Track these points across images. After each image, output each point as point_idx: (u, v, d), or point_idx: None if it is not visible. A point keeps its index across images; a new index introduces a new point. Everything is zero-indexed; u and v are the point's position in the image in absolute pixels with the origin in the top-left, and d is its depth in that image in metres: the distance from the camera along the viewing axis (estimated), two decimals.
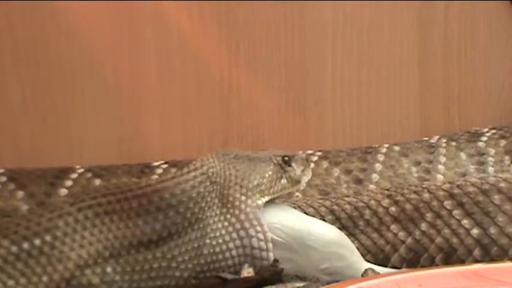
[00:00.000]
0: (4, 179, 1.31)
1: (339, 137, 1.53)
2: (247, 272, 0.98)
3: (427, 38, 1.55)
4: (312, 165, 1.31)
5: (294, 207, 1.12)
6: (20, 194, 1.30)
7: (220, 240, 0.96)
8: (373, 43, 1.54)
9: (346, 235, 1.09)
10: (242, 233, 0.97)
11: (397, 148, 1.36)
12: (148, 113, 1.50)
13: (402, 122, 1.55)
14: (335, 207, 1.12)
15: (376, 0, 1.53)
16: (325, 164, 1.34)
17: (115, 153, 1.46)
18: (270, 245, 0.97)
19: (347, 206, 1.11)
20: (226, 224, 0.97)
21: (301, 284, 0.97)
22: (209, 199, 0.98)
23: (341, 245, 1.02)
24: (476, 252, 1.06)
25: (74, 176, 1.32)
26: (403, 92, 1.55)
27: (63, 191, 1.30)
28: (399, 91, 1.55)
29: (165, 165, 1.35)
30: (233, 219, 0.97)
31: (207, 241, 0.96)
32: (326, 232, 1.02)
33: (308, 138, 1.52)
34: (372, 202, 1.11)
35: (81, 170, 1.33)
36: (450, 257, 1.07)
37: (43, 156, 1.44)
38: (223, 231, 0.97)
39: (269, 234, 0.98)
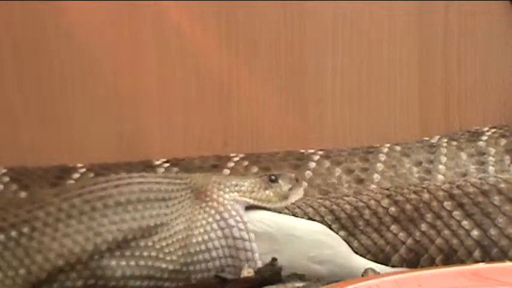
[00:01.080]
0: (7, 179, 1.31)
1: (338, 137, 1.53)
2: (247, 272, 0.98)
3: (427, 38, 1.55)
4: (305, 184, 1.31)
5: (294, 208, 1.13)
6: (23, 194, 1.30)
7: (202, 230, 0.99)
8: (373, 43, 1.54)
9: (346, 235, 1.09)
10: (222, 223, 0.99)
11: (398, 148, 1.36)
12: (148, 112, 1.50)
13: (402, 121, 1.55)
14: (334, 207, 1.12)
15: (376, 0, 1.53)
16: (327, 163, 1.34)
17: (115, 153, 1.46)
18: (252, 235, 0.99)
19: (347, 206, 1.11)
20: (205, 215, 0.99)
21: (301, 284, 0.97)
22: (190, 201, 1.00)
23: (326, 234, 1.03)
24: (477, 253, 1.06)
25: (76, 175, 1.32)
26: (403, 92, 1.55)
27: None
28: (399, 91, 1.55)
29: (167, 164, 1.36)
30: (212, 211, 1.00)
31: (190, 232, 0.98)
32: (309, 224, 1.04)
33: (308, 138, 1.52)
34: (372, 202, 1.11)
35: (83, 170, 1.34)
36: (450, 258, 1.07)
37: (43, 156, 1.44)
38: (204, 222, 0.99)
39: (249, 225, 0.99)
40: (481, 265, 0.98)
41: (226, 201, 1.00)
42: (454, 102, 1.57)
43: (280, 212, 1.07)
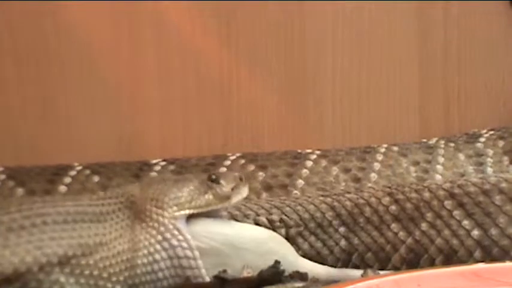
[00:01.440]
0: (3, 176, 1.31)
1: (338, 137, 1.53)
2: (247, 272, 0.98)
3: (427, 38, 1.55)
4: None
5: (296, 205, 1.13)
6: (20, 191, 1.30)
7: (146, 251, 0.97)
8: (373, 43, 1.54)
9: (347, 232, 1.09)
10: (165, 244, 0.97)
11: (395, 148, 1.37)
12: (148, 112, 1.50)
13: (402, 122, 1.55)
14: (336, 203, 1.12)
15: (376, 0, 1.53)
16: (323, 162, 1.34)
17: (115, 153, 1.46)
18: (196, 252, 0.97)
19: (347, 203, 1.11)
20: (148, 236, 0.97)
21: (301, 284, 0.97)
22: (129, 221, 0.99)
23: (274, 241, 1.02)
24: (477, 253, 1.06)
25: (73, 173, 1.33)
26: (403, 92, 1.55)
27: (63, 188, 1.31)
28: (399, 91, 1.55)
29: (164, 163, 1.35)
30: (153, 232, 0.97)
31: (134, 254, 0.96)
32: (257, 233, 1.02)
33: (308, 138, 1.52)
34: (373, 199, 1.10)
35: (80, 168, 1.34)
36: (450, 259, 1.06)
37: (43, 156, 1.44)
38: (147, 243, 0.97)
39: (193, 242, 0.97)
40: (481, 265, 0.97)
41: (166, 220, 0.97)
42: (454, 102, 1.57)
43: (225, 216, 1.06)
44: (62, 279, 0.93)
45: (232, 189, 1.03)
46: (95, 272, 0.94)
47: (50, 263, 0.92)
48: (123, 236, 0.97)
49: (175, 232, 0.97)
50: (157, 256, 0.97)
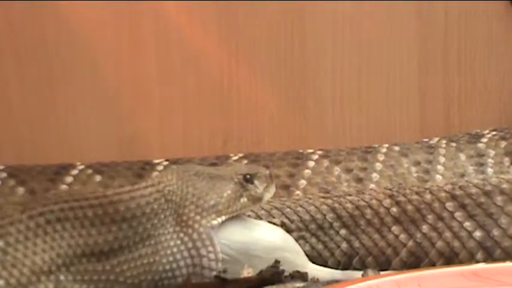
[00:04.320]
0: (4, 175, 1.31)
1: (338, 137, 1.53)
2: (247, 272, 0.98)
3: (427, 38, 1.55)
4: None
5: (296, 206, 1.12)
6: (21, 190, 1.30)
7: (171, 259, 0.95)
8: (373, 43, 1.54)
9: (348, 234, 1.09)
10: (193, 252, 0.96)
11: (397, 148, 1.37)
12: (148, 113, 1.50)
13: (402, 122, 1.55)
14: (336, 205, 1.11)
15: (376, 1, 1.53)
16: (325, 162, 1.34)
17: (115, 153, 1.46)
18: (220, 264, 0.96)
19: (348, 205, 1.11)
20: (178, 242, 0.96)
21: (301, 284, 0.97)
22: (163, 216, 0.97)
23: (285, 249, 1.01)
24: (479, 255, 1.05)
25: (75, 172, 1.32)
26: (403, 92, 1.55)
27: (64, 188, 1.30)
28: (399, 91, 1.55)
29: (166, 162, 1.35)
30: (186, 238, 0.96)
31: (157, 258, 0.95)
32: (270, 239, 1.01)
33: (308, 138, 1.52)
34: (374, 202, 1.10)
35: (82, 167, 1.33)
36: (451, 262, 1.06)
37: (43, 156, 1.44)
38: (175, 250, 0.96)
39: (220, 255, 0.97)
40: (481, 265, 0.98)
41: (202, 229, 0.96)
42: (454, 102, 1.57)
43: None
44: (73, 286, 0.91)
45: (264, 189, 1.03)
46: (111, 277, 0.93)
47: (58, 267, 0.91)
48: (151, 237, 0.96)
49: (207, 242, 0.97)
50: (181, 263, 0.96)
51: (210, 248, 0.97)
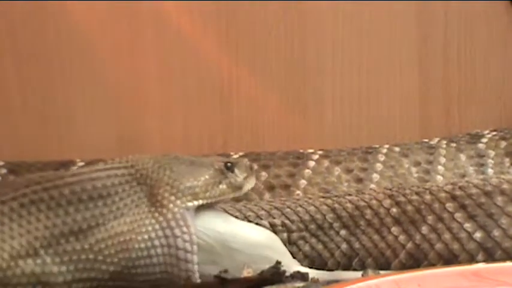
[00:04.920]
0: (4, 171, 1.31)
1: (338, 137, 1.53)
2: (247, 272, 0.98)
3: (427, 38, 1.55)
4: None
5: (296, 206, 1.12)
6: None
7: (146, 237, 0.95)
8: (373, 43, 1.54)
9: (348, 235, 1.09)
10: (168, 231, 0.96)
11: (397, 149, 1.37)
12: (148, 113, 1.50)
13: (402, 122, 1.55)
14: (336, 205, 1.11)
15: (376, 0, 1.53)
16: (326, 162, 1.34)
17: (114, 153, 1.46)
18: (195, 247, 0.96)
19: (348, 205, 1.11)
20: (153, 221, 0.96)
21: (301, 284, 0.97)
22: (136, 198, 0.97)
23: (268, 247, 1.01)
24: (480, 257, 1.05)
25: (75, 168, 1.32)
26: (403, 92, 1.55)
27: None
28: (399, 91, 1.55)
29: None
30: (160, 218, 0.96)
31: (133, 236, 0.95)
32: (252, 235, 1.01)
33: (308, 138, 1.52)
34: (374, 202, 1.10)
35: (82, 163, 1.33)
36: (451, 263, 1.05)
37: (42, 156, 1.43)
38: (150, 228, 0.95)
39: (195, 237, 0.96)
40: (481, 265, 0.97)
41: (176, 209, 0.96)
42: (454, 102, 1.57)
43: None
44: (63, 268, 0.91)
45: (245, 178, 1.04)
46: (91, 256, 0.93)
47: (46, 252, 0.91)
48: (125, 216, 0.96)
49: (181, 223, 0.96)
50: (156, 242, 0.95)
51: (185, 229, 0.96)
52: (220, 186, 1.01)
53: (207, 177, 1.00)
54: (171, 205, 0.97)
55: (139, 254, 0.95)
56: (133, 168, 0.99)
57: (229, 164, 1.02)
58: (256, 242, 1.01)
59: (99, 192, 0.95)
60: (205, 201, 0.99)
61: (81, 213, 0.93)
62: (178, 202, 0.97)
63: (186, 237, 0.96)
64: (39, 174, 0.97)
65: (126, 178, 0.97)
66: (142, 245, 0.95)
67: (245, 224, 1.05)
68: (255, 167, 1.08)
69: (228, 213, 1.08)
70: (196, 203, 0.98)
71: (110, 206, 0.95)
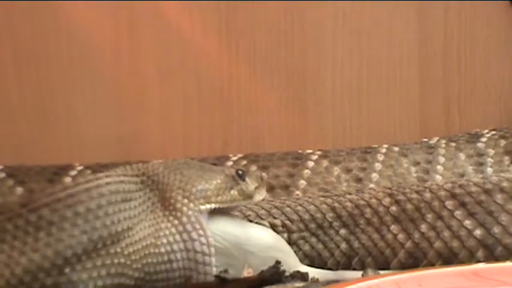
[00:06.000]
0: (3, 175, 1.31)
1: (339, 137, 1.53)
2: (247, 272, 0.98)
3: (427, 38, 1.55)
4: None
5: (296, 205, 1.12)
6: (19, 190, 1.30)
7: (165, 241, 0.95)
8: (373, 43, 1.54)
9: (347, 234, 1.09)
10: (185, 235, 0.96)
11: (396, 149, 1.37)
12: (148, 113, 1.51)
13: (402, 122, 1.56)
14: (336, 204, 1.11)
15: (376, 0, 1.53)
16: (325, 163, 1.34)
17: (114, 153, 1.46)
18: (213, 249, 0.96)
19: (348, 204, 1.11)
20: (169, 225, 0.96)
21: (301, 284, 0.97)
22: (150, 203, 0.97)
23: (278, 249, 1.02)
24: (480, 253, 1.05)
25: (73, 173, 1.32)
26: (403, 92, 1.55)
27: None
28: (399, 91, 1.55)
29: None
30: (176, 221, 0.96)
31: (153, 241, 0.95)
32: (263, 237, 1.02)
33: (308, 138, 1.52)
34: (373, 200, 1.10)
35: (81, 167, 1.33)
36: (451, 262, 1.05)
37: (42, 156, 1.44)
38: (167, 232, 0.96)
39: (211, 239, 0.96)
40: (481, 265, 0.97)
41: (190, 212, 0.96)
42: (454, 102, 1.57)
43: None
44: (94, 273, 0.91)
45: (255, 188, 1.04)
46: (122, 260, 0.92)
47: (79, 260, 0.90)
48: (144, 220, 0.96)
49: (197, 226, 0.96)
50: (175, 246, 0.95)
51: (201, 232, 0.96)
52: (232, 192, 1.01)
53: (218, 181, 1.00)
54: (184, 208, 0.97)
55: (159, 259, 0.95)
56: (145, 175, 0.99)
57: (240, 172, 1.03)
58: (268, 245, 1.01)
59: (122, 197, 0.95)
60: (217, 205, 0.99)
61: (116, 215, 0.93)
62: (191, 205, 0.97)
63: (203, 240, 0.96)
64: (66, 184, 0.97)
65: (139, 186, 0.98)
66: (163, 250, 0.95)
67: (257, 226, 1.05)
68: (265, 176, 1.08)
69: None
70: (208, 206, 0.98)
71: (134, 210, 0.95)
